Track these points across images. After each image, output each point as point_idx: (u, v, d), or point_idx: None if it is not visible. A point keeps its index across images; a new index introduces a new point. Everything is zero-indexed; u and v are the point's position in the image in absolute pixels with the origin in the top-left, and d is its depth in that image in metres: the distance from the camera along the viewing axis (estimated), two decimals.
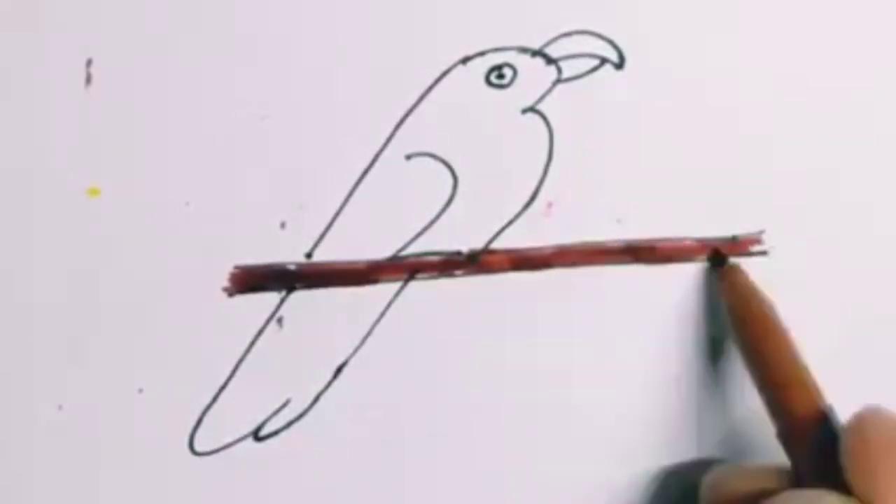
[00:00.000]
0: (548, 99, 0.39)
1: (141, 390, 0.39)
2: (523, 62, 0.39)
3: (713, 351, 0.40)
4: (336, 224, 0.39)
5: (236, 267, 0.39)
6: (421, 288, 0.39)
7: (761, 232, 0.41)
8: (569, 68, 0.39)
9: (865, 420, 0.34)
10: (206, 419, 0.39)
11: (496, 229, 0.39)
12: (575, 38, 0.39)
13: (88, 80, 0.38)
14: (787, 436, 0.36)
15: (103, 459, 0.39)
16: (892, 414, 0.34)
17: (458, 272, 0.39)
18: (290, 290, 0.39)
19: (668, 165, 0.40)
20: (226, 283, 0.39)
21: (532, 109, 0.39)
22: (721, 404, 0.40)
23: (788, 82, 0.40)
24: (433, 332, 0.39)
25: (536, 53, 0.39)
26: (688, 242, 0.40)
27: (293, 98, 0.39)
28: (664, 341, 0.40)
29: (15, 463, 0.39)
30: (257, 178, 0.39)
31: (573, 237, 0.40)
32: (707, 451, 0.40)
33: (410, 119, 0.39)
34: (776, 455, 0.37)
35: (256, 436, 0.39)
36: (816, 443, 0.35)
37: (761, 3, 0.40)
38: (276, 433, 0.39)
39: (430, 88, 0.39)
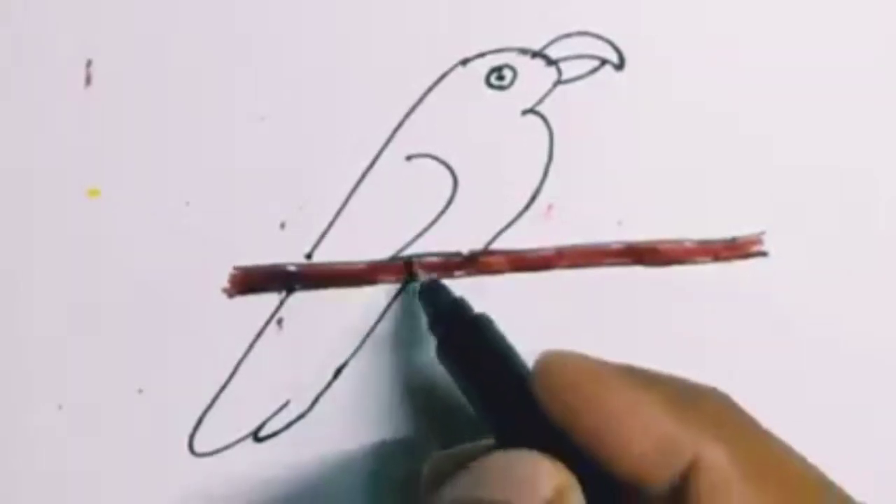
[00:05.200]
0: (548, 100, 0.39)
1: (141, 390, 0.39)
2: (523, 63, 0.39)
3: None
4: (336, 225, 0.39)
5: (236, 268, 0.39)
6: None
7: (761, 232, 0.41)
8: (569, 69, 0.39)
9: (548, 362, 0.33)
10: (206, 419, 0.39)
11: (496, 230, 0.39)
12: (575, 39, 0.39)
13: (88, 80, 0.38)
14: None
15: (103, 459, 0.39)
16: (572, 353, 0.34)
17: (457, 273, 0.39)
18: (290, 290, 0.39)
19: (668, 166, 0.40)
20: (225, 284, 0.39)
21: (532, 111, 0.39)
22: None
23: (788, 83, 0.40)
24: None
25: (536, 55, 0.39)
26: (688, 244, 0.40)
27: (293, 98, 0.39)
28: (664, 342, 0.40)
29: (15, 463, 0.39)
30: (257, 178, 0.39)
31: (573, 238, 0.40)
32: None
33: (410, 120, 0.39)
34: None
35: (256, 436, 0.39)
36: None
37: (761, 4, 0.40)
38: (276, 434, 0.39)
39: (430, 90, 0.39)
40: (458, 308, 0.38)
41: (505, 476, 0.31)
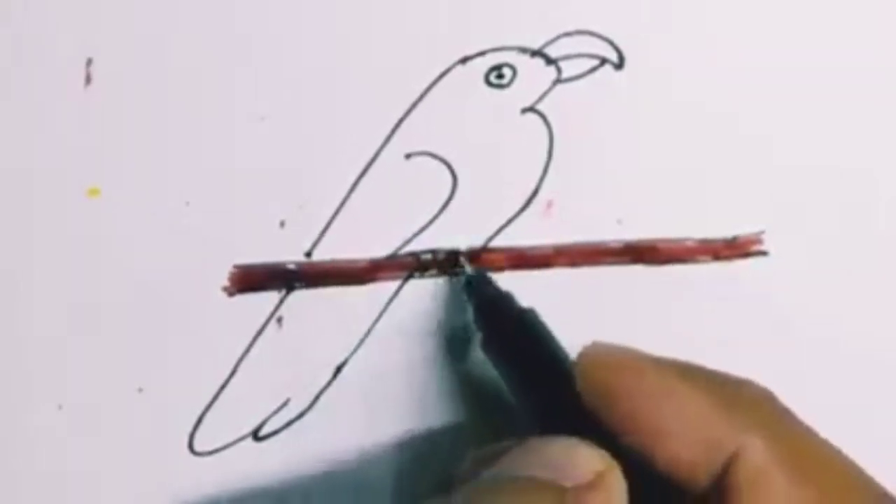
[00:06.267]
0: (547, 99, 0.39)
1: (141, 390, 0.39)
2: (523, 62, 0.39)
3: None
4: (335, 223, 0.39)
5: (236, 266, 0.39)
6: (420, 287, 0.39)
7: (761, 232, 0.41)
8: (568, 68, 0.39)
9: (590, 355, 0.34)
10: (206, 419, 0.39)
11: (495, 228, 0.39)
12: (575, 38, 0.39)
13: (88, 80, 0.38)
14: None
15: (103, 459, 0.39)
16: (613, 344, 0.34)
17: (457, 271, 0.39)
18: (290, 289, 0.39)
19: (668, 165, 0.40)
20: (225, 283, 0.39)
21: (532, 109, 0.39)
22: None
23: (788, 82, 0.40)
24: (433, 331, 0.39)
25: (536, 53, 0.39)
26: (688, 243, 0.40)
27: (293, 98, 0.39)
28: (663, 341, 0.40)
29: (15, 463, 0.39)
30: (257, 178, 0.39)
31: (573, 237, 0.40)
32: None
33: (410, 118, 0.39)
34: None
35: (256, 436, 0.39)
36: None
37: (761, 4, 0.40)
38: (275, 433, 0.39)
39: (430, 88, 0.39)
40: (505, 301, 0.38)
41: (546, 457, 0.31)
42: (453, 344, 0.40)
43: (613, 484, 0.31)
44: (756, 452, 0.31)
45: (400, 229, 0.39)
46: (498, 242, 0.39)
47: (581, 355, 0.34)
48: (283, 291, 0.39)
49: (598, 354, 0.33)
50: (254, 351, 0.39)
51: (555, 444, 0.32)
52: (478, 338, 0.38)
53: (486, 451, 0.36)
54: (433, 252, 0.39)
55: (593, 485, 0.31)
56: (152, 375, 0.39)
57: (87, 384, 0.39)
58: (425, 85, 0.39)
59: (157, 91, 0.38)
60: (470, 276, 0.39)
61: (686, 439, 0.31)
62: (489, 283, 0.38)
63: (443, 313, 0.40)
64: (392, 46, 0.39)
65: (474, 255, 0.39)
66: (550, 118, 0.39)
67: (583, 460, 0.31)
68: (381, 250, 0.39)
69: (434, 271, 0.39)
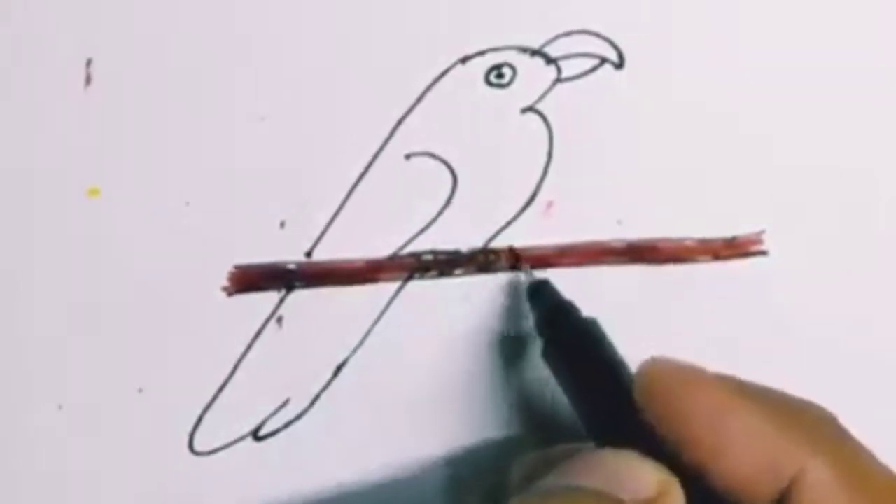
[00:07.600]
0: (547, 98, 0.39)
1: (141, 390, 0.39)
2: (523, 62, 0.39)
3: None
4: (336, 223, 0.39)
5: (235, 266, 0.39)
6: (420, 287, 0.39)
7: (761, 232, 0.41)
8: (568, 68, 0.39)
9: (651, 369, 0.34)
10: (205, 419, 0.39)
11: (496, 229, 0.39)
12: (574, 37, 0.39)
13: (88, 80, 0.38)
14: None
15: (103, 459, 0.39)
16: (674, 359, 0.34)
17: (457, 271, 0.39)
18: (290, 289, 0.39)
19: (668, 165, 0.40)
20: (225, 283, 0.39)
21: (532, 109, 0.39)
22: None
23: (788, 82, 0.40)
24: (433, 332, 0.39)
25: (536, 53, 0.39)
26: (688, 242, 0.40)
27: (293, 98, 0.39)
28: (663, 341, 0.40)
29: (15, 463, 0.39)
30: (257, 177, 0.39)
31: (573, 237, 0.40)
32: None
33: (410, 118, 0.39)
34: None
35: (256, 436, 0.39)
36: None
37: (761, 4, 0.40)
38: (275, 433, 0.39)
39: (430, 88, 0.39)
40: (569, 310, 0.38)
41: (609, 470, 0.31)
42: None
43: (673, 501, 0.31)
44: (819, 474, 0.31)
45: (400, 229, 0.39)
46: (498, 243, 0.40)
47: (641, 369, 0.33)
48: (283, 291, 0.39)
49: (659, 369, 0.33)
50: (254, 351, 0.39)
51: (616, 457, 0.32)
52: (535, 344, 0.38)
53: (535, 458, 0.36)
54: (434, 252, 0.39)
55: (653, 501, 0.31)
56: (152, 375, 0.39)
57: (87, 384, 0.39)
58: (425, 85, 0.39)
59: (157, 91, 0.38)
60: (534, 284, 0.39)
61: (747, 458, 0.31)
62: (553, 291, 0.38)
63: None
64: (391, 46, 0.39)
65: (474, 255, 0.39)
66: (550, 118, 0.39)
67: (644, 476, 0.31)
68: (381, 250, 0.39)
69: (434, 272, 0.39)
